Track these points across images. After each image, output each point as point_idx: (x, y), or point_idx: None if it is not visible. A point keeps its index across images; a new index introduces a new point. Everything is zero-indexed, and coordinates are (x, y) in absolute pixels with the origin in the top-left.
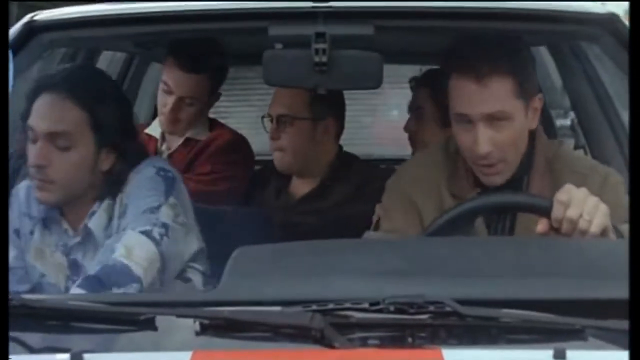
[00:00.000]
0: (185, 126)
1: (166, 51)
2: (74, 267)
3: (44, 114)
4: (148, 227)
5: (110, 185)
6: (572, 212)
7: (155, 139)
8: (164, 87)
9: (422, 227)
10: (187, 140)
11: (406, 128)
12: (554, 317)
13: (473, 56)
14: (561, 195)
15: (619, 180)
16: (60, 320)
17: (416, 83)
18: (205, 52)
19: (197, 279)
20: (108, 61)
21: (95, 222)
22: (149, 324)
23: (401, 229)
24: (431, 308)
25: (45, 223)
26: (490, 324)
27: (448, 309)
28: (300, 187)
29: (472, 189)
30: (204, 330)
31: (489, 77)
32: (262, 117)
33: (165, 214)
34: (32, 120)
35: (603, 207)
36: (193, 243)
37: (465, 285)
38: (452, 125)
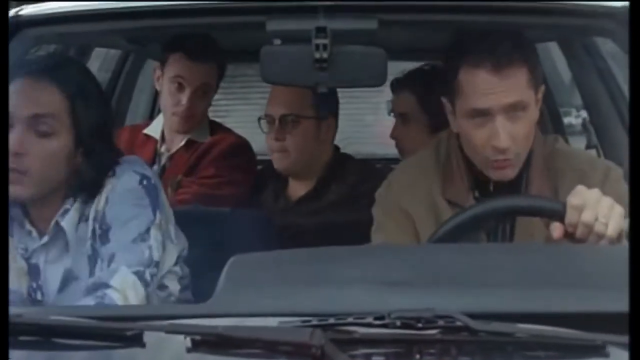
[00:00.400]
0: (196, 123)
1: (171, 47)
2: (34, 272)
3: (27, 97)
4: (141, 268)
5: (83, 184)
6: (587, 216)
7: (154, 140)
8: (174, 84)
9: (418, 237)
10: (189, 142)
11: (392, 135)
12: (574, 332)
13: (488, 47)
14: (574, 199)
15: (620, 175)
16: (40, 336)
17: (399, 86)
18: (209, 39)
19: (173, 285)
20: (101, 59)
21: (68, 221)
22: (137, 340)
23: (395, 241)
24: (441, 323)
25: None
26: (505, 340)
27: (459, 323)
28: (298, 189)
29: (468, 192)
30: (195, 346)
31: (508, 67)
32: (259, 119)
33: (154, 239)
34: (12, 105)
35: (618, 209)
36: (172, 253)
37: (476, 297)
38: (459, 123)
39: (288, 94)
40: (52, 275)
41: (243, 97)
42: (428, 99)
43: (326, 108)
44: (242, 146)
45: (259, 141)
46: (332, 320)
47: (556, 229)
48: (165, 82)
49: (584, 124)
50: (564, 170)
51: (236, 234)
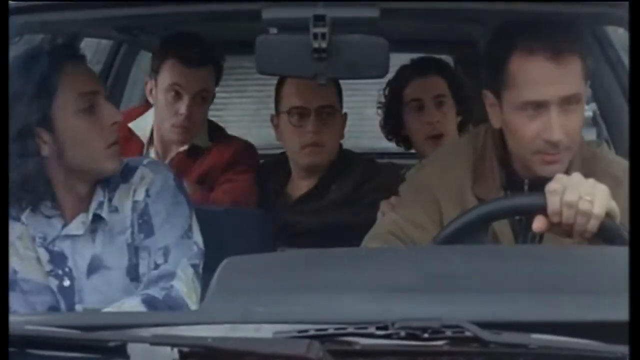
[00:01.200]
0: (197, 132)
1: (163, 54)
2: (59, 259)
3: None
4: (196, 261)
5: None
6: (569, 196)
7: (140, 143)
8: (170, 93)
9: (442, 225)
10: (193, 148)
11: (434, 119)
12: (591, 344)
13: (544, 33)
14: (552, 185)
15: None
16: (14, 347)
17: (427, 68)
18: (203, 42)
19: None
20: (93, 50)
21: (105, 212)
22: (119, 352)
23: (417, 220)
24: (448, 333)
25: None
26: (517, 352)
27: (468, 334)
28: (300, 187)
29: (499, 191)
30: (183, 359)
31: (565, 54)
32: (289, 110)
33: (196, 234)
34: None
35: (602, 187)
36: None
37: (486, 305)
38: (506, 116)
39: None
40: (79, 262)
41: (240, 90)
42: (457, 84)
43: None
44: (249, 150)
45: (256, 135)
46: (330, 330)
47: (537, 221)
48: (159, 93)
49: (594, 117)
50: (599, 174)
51: (233, 233)
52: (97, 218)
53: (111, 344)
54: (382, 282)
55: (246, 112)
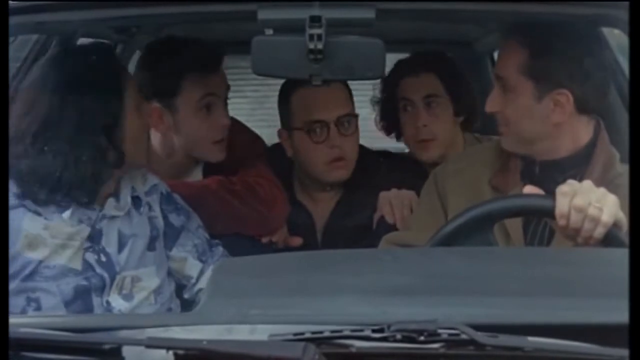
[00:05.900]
0: None
1: (181, 70)
2: (96, 237)
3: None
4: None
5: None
6: (579, 201)
7: None
8: (203, 110)
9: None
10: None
11: (417, 124)
12: (590, 347)
13: None
14: (563, 187)
15: None
16: (10, 350)
17: (422, 69)
18: (203, 41)
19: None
20: None
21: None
22: (114, 355)
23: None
24: (444, 336)
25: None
26: (514, 355)
27: (464, 336)
28: (324, 200)
29: (516, 183)
30: None
31: None
32: (308, 125)
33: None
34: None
35: (612, 197)
36: None
37: (483, 307)
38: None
39: (337, 92)
40: (112, 239)
41: (236, 90)
42: (453, 81)
43: None
44: (256, 136)
45: None
46: (326, 333)
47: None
48: (188, 115)
49: None
50: (621, 186)
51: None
52: (134, 199)
53: (106, 346)
54: (378, 284)
55: (242, 112)
